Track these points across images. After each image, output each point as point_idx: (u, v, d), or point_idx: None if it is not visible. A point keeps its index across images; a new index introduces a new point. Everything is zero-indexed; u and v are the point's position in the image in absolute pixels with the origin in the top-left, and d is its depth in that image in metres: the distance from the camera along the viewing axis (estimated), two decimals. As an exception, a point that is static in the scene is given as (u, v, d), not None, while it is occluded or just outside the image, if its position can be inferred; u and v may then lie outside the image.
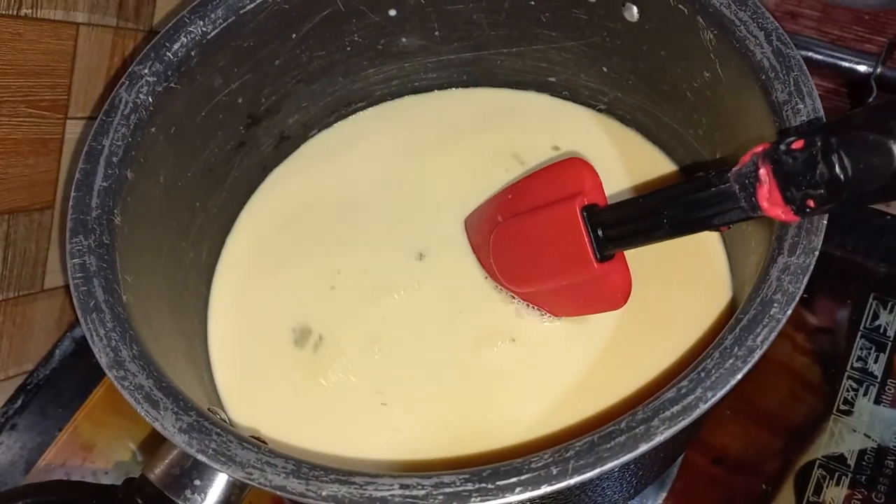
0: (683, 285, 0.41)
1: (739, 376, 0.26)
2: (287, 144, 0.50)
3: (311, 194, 0.49)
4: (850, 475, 0.47)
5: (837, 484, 0.47)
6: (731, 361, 0.27)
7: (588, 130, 0.50)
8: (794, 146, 0.27)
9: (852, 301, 0.53)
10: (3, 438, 0.56)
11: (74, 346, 0.59)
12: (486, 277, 0.44)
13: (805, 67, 0.33)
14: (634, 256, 0.37)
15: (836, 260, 0.54)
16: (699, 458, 0.48)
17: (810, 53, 0.61)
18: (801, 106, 0.32)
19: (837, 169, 0.25)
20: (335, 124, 0.51)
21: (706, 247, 0.42)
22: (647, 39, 0.42)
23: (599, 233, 0.36)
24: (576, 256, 0.36)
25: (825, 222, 0.29)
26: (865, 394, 0.49)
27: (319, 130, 0.51)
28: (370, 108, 0.52)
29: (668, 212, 0.32)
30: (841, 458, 0.48)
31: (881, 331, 0.51)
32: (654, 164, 0.47)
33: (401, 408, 0.40)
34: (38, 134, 0.51)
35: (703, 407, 0.26)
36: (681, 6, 0.38)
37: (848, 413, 0.49)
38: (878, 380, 0.50)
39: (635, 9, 0.41)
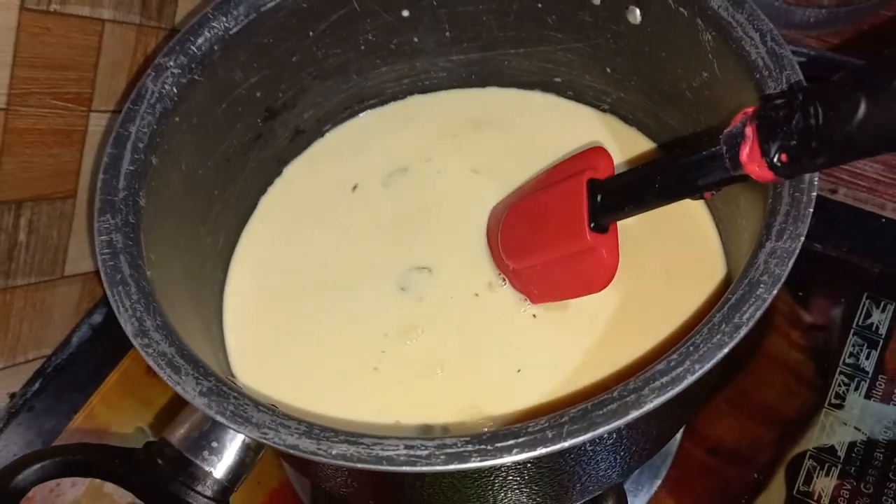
0: (681, 268, 0.43)
1: (726, 350, 0.28)
2: (302, 138, 0.52)
3: (325, 188, 0.51)
4: (839, 466, 0.49)
5: (827, 475, 0.48)
6: (718, 337, 0.29)
7: (592, 130, 0.52)
8: (777, 100, 0.29)
9: (846, 299, 0.54)
10: (20, 420, 0.58)
11: (91, 333, 0.61)
12: (494, 269, 0.46)
13: (797, 66, 0.35)
14: (635, 243, 0.39)
15: (831, 260, 0.56)
16: (694, 449, 0.50)
17: (808, 63, 0.63)
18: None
19: (812, 118, 0.27)
20: (348, 120, 0.53)
21: (701, 231, 0.44)
22: (649, 41, 0.44)
23: (598, 200, 0.38)
24: (572, 225, 0.38)
25: (811, 210, 0.31)
26: (857, 389, 0.51)
27: (333, 126, 0.53)
28: (382, 106, 0.54)
29: (660, 177, 0.35)
30: (831, 450, 0.49)
31: (873, 328, 0.53)
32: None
33: (411, 386, 0.41)
34: (63, 125, 0.53)
35: (691, 378, 0.28)
36: (681, 9, 0.40)
37: (839, 407, 0.50)
38: (870, 375, 0.51)
39: (638, 11, 0.43)
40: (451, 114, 0.53)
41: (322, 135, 0.53)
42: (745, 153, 0.30)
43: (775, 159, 0.29)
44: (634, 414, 0.27)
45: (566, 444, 0.27)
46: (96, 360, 0.60)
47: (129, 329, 0.32)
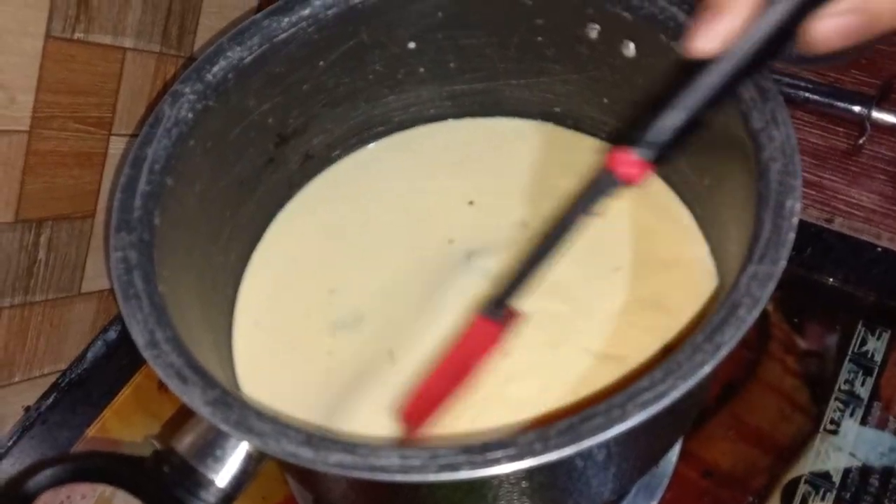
0: (674, 295, 0.44)
1: (707, 369, 0.29)
2: (312, 164, 0.54)
3: (334, 213, 0.52)
4: (834, 492, 0.49)
5: (823, 500, 0.49)
6: (700, 356, 0.30)
7: (591, 158, 0.53)
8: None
9: (842, 327, 0.55)
10: (34, 432, 0.59)
11: (106, 349, 0.63)
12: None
13: (781, 98, 0.37)
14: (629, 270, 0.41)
15: (827, 288, 0.57)
16: (689, 472, 0.51)
17: (808, 94, 0.64)
18: (776, 133, 0.36)
19: None
20: (357, 147, 0.55)
21: (695, 255, 0.46)
22: (644, 73, 0.45)
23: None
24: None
25: (791, 236, 0.32)
26: (852, 415, 0.52)
27: (342, 153, 0.55)
28: (389, 136, 0.55)
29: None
30: (826, 476, 0.50)
31: (868, 356, 0.54)
32: (653, 190, 0.50)
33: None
34: (84, 148, 0.56)
35: (674, 394, 0.29)
36: (672, 44, 0.42)
37: (834, 433, 0.51)
38: (865, 402, 0.52)
39: (632, 46, 0.45)
40: (455, 144, 0.54)
41: (332, 161, 0.55)
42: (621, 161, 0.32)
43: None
44: (619, 428, 0.28)
45: (553, 456, 0.28)
46: (110, 376, 0.61)
47: (139, 340, 0.34)
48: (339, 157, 0.55)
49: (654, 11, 0.42)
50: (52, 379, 0.61)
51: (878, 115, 0.62)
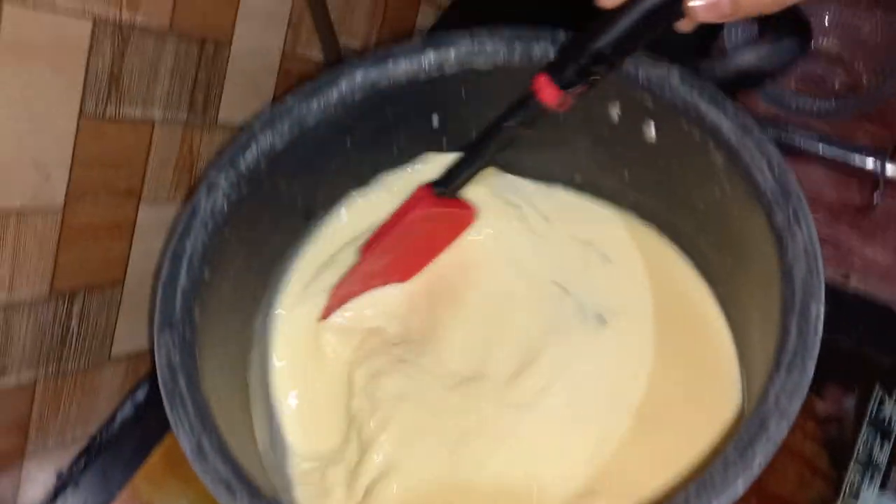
0: (697, 392, 0.45)
1: (741, 484, 0.30)
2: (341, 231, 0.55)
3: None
4: (855, 558, 0.50)
5: (843, 566, 0.50)
6: (733, 472, 0.31)
7: (610, 225, 0.54)
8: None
9: (859, 389, 0.56)
10: (67, 495, 0.61)
11: (134, 411, 0.64)
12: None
13: (802, 196, 0.38)
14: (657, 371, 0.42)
15: (844, 350, 0.58)
16: (712, 537, 0.52)
17: (821, 147, 0.65)
18: (798, 232, 0.37)
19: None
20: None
21: (722, 356, 0.46)
22: (664, 155, 0.46)
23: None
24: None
25: (818, 341, 0.33)
26: (871, 481, 0.52)
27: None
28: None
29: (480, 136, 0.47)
30: (847, 542, 0.51)
31: (885, 421, 0.54)
32: (670, 263, 0.51)
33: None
34: (115, 218, 0.57)
35: (707, 511, 0.30)
36: (692, 130, 0.43)
37: (855, 498, 0.52)
38: (883, 468, 0.53)
39: (653, 129, 0.46)
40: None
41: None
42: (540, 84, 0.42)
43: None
44: (654, 545, 0.29)
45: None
46: (139, 437, 0.62)
47: (187, 448, 0.35)
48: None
49: (674, 98, 0.43)
50: (83, 442, 0.62)
51: (893, 171, 0.63)
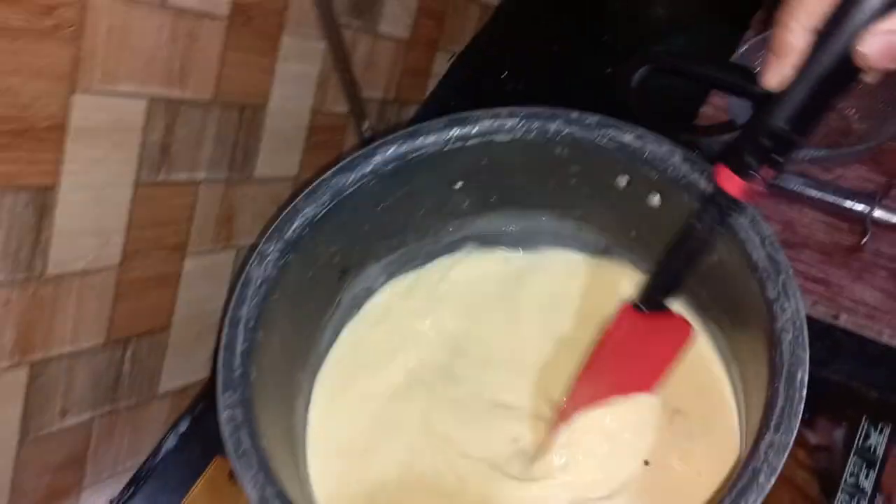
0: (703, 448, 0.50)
1: (734, 532, 0.36)
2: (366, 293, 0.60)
3: (386, 340, 0.59)
4: (843, 580, 0.55)
5: (832, 588, 0.55)
6: (727, 520, 0.36)
7: (622, 284, 0.59)
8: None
9: (847, 422, 0.61)
10: (118, 523, 0.66)
11: (178, 442, 0.69)
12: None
13: (791, 271, 0.43)
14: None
15: (833, 384, 0.63)
16: (712, 561, 0.57)
17: (812, 192, 0.70)
18: (787, 305, 0.42)
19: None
20: (406, 273, 0.61)
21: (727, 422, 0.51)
22: (668, 220, 0.51)
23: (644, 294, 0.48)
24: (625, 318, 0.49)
25: (802, 407, 0.39)
26: (857, 506, 0.58)
27: (389, 279, 0.61)
28: (432, 261, 0.62)
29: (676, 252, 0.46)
30: (836, 565, 0.56)
31: (871, 450, 0.59)
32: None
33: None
34: (163, 271, 0.62)
35: (707, 556, 0.35)
36: (694, 202, 0.48)
37: (842, 523, 0.57)
38: (868, 495, 0.58)
39: (658, 198, 0.51)
40: (496, 270, 0.61)
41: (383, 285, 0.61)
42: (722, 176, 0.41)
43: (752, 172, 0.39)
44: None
45: None
46: (183, 466, 0.68)
47: (253, 497, 0.40)
48: (385, 283, 0.61)
49: (677, 175, 0.48)
50: (132, 472, 0.67)
51: (880, 215, 0.68)
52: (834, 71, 0.35)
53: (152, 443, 0.69)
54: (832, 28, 0.35)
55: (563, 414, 0.50)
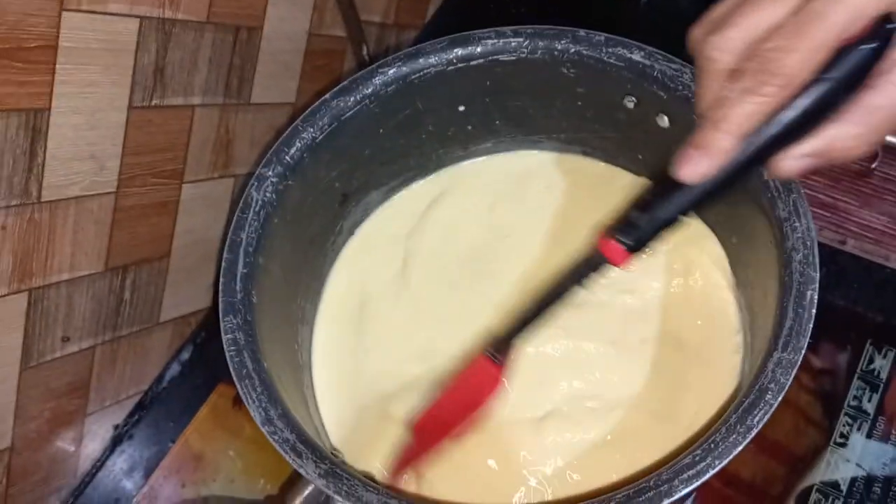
0: (702, 370, 0.50)
1: (740, 448, 0.36)
2: (370, 210, 0.59)
3: (391, 250, 0.58)
4: (842, 499, 0.56)
5: (831, 506, 0.56)
6: (734, 437, 0.36)
7: (625, 189, 0.58)
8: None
9: (851, 346, 0.61)
10: (123, 447, 0.66)
11: (181, 369, 0.69)
12: None
13: (802, 190, 0.42)
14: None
15: (838, 309, 0.62)
16: (713, 481, 0.57)
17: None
18: (797, 224, 0.41)
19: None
20: (407, 186, 0.60)
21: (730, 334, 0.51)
22: (677, 141, 0.50)
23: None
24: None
25: (811, 326, 0.38)
26: (859, 429, 0.58)
27: (394, 193, 0.60)
28: (436, 172, 0.60)
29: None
30: (835, 485, 0.56)
31: (875, 373, 0.60)
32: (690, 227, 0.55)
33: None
34: (160, 198, 0.61)
35: (712, 472, 0.35)
36: (704, 122, 0.47)
37: (843, 445, 0.58)
38: (871, 417, 0.58)
39: (666, 119, 0.50)
40: (498, 174, 0.59)
41: (386, 202, 0.60)
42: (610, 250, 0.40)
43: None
44: (668, 501, 0.35)
45: (612, 526, 0.35)
46: (186, 393, 0.68)
47: (257, 417, 0.40)
48: (389, 197, 0.60)
49: (688, 94, 0.47)
50: (136, 399, 0.68)
51: (891, 139, 0.67)
52: (744, 172, 0.36)
53: (156, 370, 0.69)
54: (755, 136, 0.35)
55: (400, 466, 0.47)
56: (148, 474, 0.65)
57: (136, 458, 0.66)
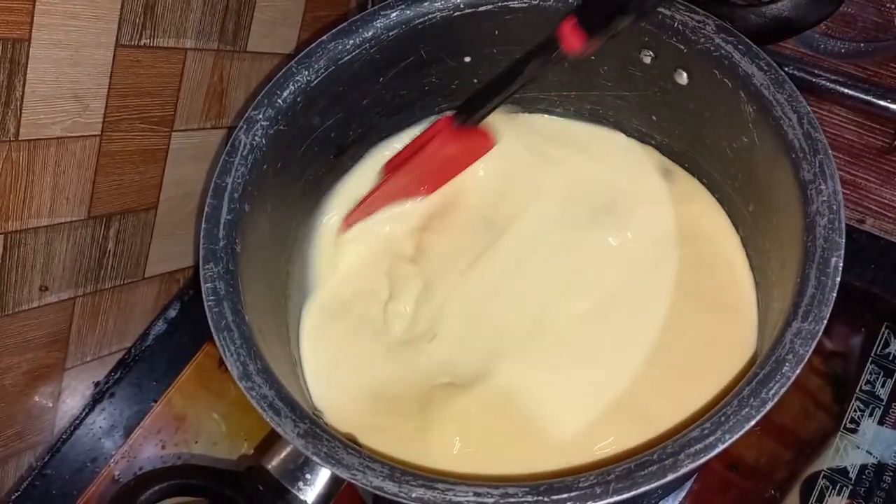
0: (716, 336, 0.47)
1: (753, 423, 0.33)
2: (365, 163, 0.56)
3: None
4: (850, 487, 0.53)
5: (839, 494, 0.53)
6: (746, 410, 0.33)
7: (636, 159, 0.55)
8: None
9: (866, 329, 0.58)
10: (104, 405, 0.64)
11: (167, 327, 0.67)
12: None
13: (829, 151, 0.39)
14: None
15: (854, 290, 0.60)
16: (716, 464, 0.55)
17: (844, 89, 0.65)
18: (823, 187, 0.38)
19: None
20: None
21: (743, 308, 0.48)
22: (694, 101, 0.47)
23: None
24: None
25: (834, 294, 0.35)
26: (871, 415, 0.55)
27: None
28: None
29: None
30: (844, 472, 0.54)
31: (890, 358, 0.57)
32: (699, 199, 0.52)
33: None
34: (149, 146, 0.58)
35: (721, 447, 0.32)
36: (725, 80, 0.44)
37: (853, 431, 0.55)
38: (884, 403, 0.55)
39: (685, 75, 0.47)
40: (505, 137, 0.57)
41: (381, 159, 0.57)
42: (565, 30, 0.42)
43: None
44: (671, 476, 0.32)
45: (612, 499, 0.32)
46: (171, 352, 0.65)
47: (234, 372, 0.37)
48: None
49: (710, 47, 0.44)
50: (119, 356, 0.65)
51: (916, 113, 0.64)
52: None
53: (140, 327, 0.66)
54: None
55: (352, 216, 0.53)
56: (128, 434, 0.63)
57: (117, 416, 0.64)
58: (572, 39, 0.42)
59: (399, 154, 0.55)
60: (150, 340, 0.66)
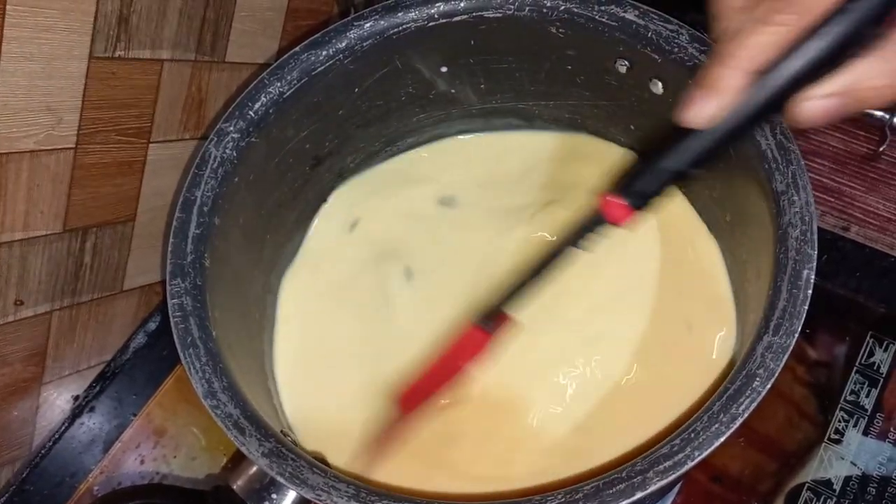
0: (692, 352, 0.46)
1: (723, 439, 0.32)
2: (346, 177, 0.56)
3: (362, 228, 0.55)
4: (834, 499, 0.53)
5: (823, 505, 0.53)
6: (716, 426, 0.33)
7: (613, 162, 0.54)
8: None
9: (850, 338, 0.57)
10: (83, 419, 0.63)
11: (147, 340, 0.66)
12: None
13: (802, 163, 0.38)
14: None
15: (838, 298, 0.59)
16: (699, 476, 0.54)
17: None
18: (796, 198, 0.37)
19: None
20: (388, 160, 0.57)
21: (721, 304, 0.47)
22: (670, 109, 0.46)
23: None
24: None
25: (806, 307, 0.35)
26: (855, 425, 0.55)
27: (372, 165, 0.57)
28: (419, 148, 0.57)
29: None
30: (828, 483, 0.53)
31: (875, 367, 0.56)
32: (679, 210, 0.51)
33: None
34: (125, 157, 0.58)
35: (691, 464, 0.32)
36: (701, 89, 0.43)
37: (838, 442, 0.54)
38: (868, 413, 0.55)
39: (660, 84, 0.46)
40: (484, 155, 0.56)
41: (361, 173, 0.57)
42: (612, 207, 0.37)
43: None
44: (640, 495, 0.31)
45: (579, 518, 0.31)
46: (151, 365, 0.65)
47: (199, 390, 0.37)
48: (367, 167, 0.57)
49: (684, 57, 0.43)
50: (98, 370, 0.64)
51: (900, 122, 0.63)
52: (759, 116, 0.32)
53: (120, 340, 0.66)
54: (771, 73, 0.31)
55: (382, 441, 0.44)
56: (107, 448, 0.62)
57: (97, 431, 0.63)
58: (620, 215, 0.36)
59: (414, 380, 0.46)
60: (129, 354, 0.66)
